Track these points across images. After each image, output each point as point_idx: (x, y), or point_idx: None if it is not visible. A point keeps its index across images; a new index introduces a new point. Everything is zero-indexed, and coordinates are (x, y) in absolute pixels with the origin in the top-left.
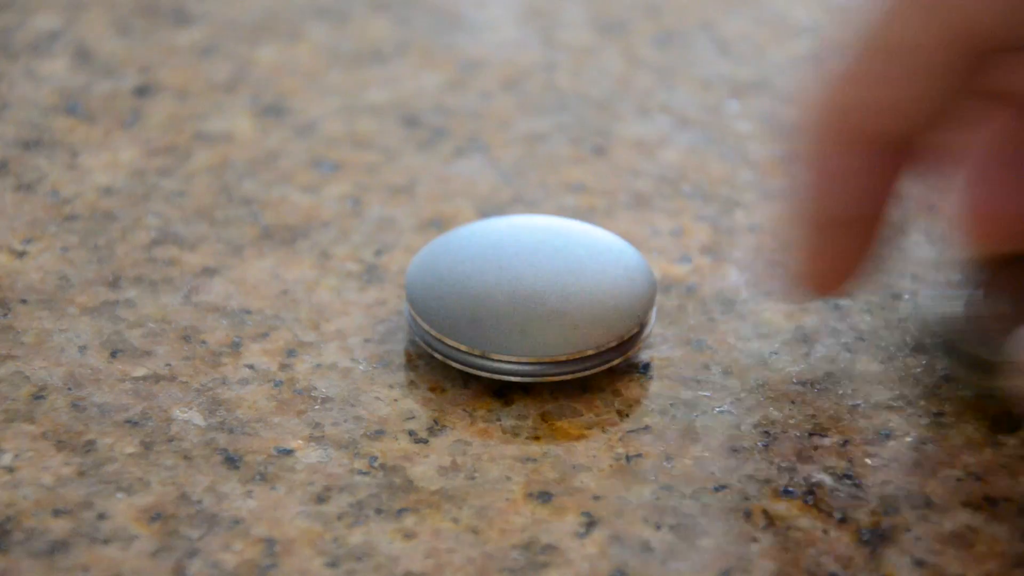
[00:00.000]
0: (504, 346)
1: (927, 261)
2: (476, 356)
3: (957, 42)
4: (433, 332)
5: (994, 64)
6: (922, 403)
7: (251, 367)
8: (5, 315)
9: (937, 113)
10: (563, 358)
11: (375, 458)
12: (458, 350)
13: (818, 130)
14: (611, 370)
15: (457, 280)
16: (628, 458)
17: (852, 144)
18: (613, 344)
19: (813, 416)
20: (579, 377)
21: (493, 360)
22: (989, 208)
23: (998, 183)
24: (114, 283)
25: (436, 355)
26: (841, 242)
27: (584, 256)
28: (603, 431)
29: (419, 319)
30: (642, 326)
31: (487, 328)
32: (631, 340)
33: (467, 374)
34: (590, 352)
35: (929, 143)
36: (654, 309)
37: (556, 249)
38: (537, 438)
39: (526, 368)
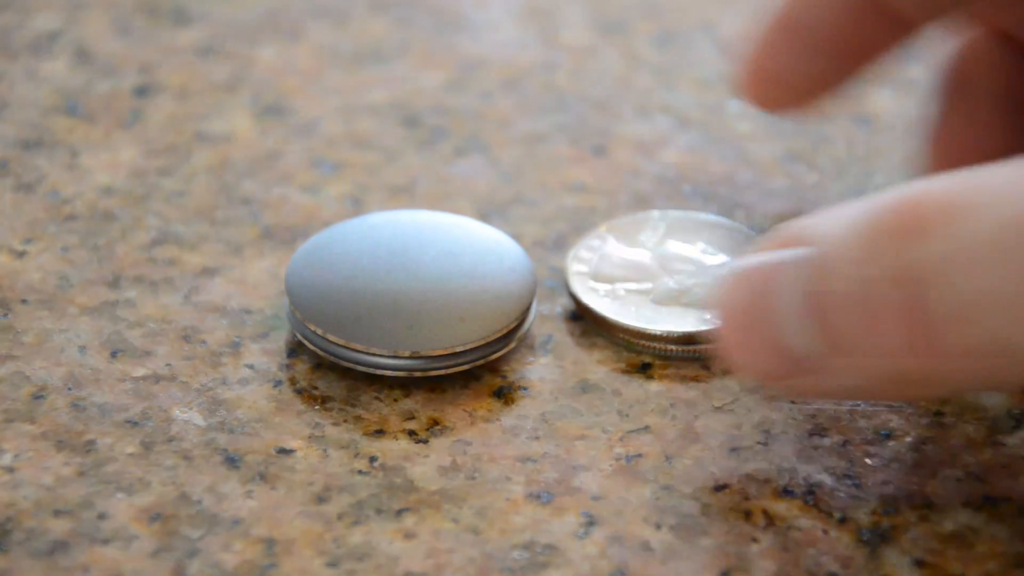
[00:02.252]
0: (382, 341)
1: None
2: (354, 351)
3: None
4: (311, 326)
5: None
6: (922, 403)
7: (251, 367)
8: (5, 315)
9: None
10: (441, 352)
11: (375, 458)
12: (336, 344)
13: None
14: (611, 370)
15: (337, 275)
16: (628, 458)
17: None
18: (493, 337)
19: (813, 416)
20: (458, 371)
21: (373, 355)
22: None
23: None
24: (114, 283)
25: (316, 350)
26: (791, 46)
27: (464, 251)
28: (603, 431)
29: (298, 313)
30: (522, 320)
31: (365, 322)
32: (510, 334)
33: (467, 373)
34: (469, 346)
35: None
36: (534, 303)
37: (437, 244)
38: (537, 438)
39: (403, 363)
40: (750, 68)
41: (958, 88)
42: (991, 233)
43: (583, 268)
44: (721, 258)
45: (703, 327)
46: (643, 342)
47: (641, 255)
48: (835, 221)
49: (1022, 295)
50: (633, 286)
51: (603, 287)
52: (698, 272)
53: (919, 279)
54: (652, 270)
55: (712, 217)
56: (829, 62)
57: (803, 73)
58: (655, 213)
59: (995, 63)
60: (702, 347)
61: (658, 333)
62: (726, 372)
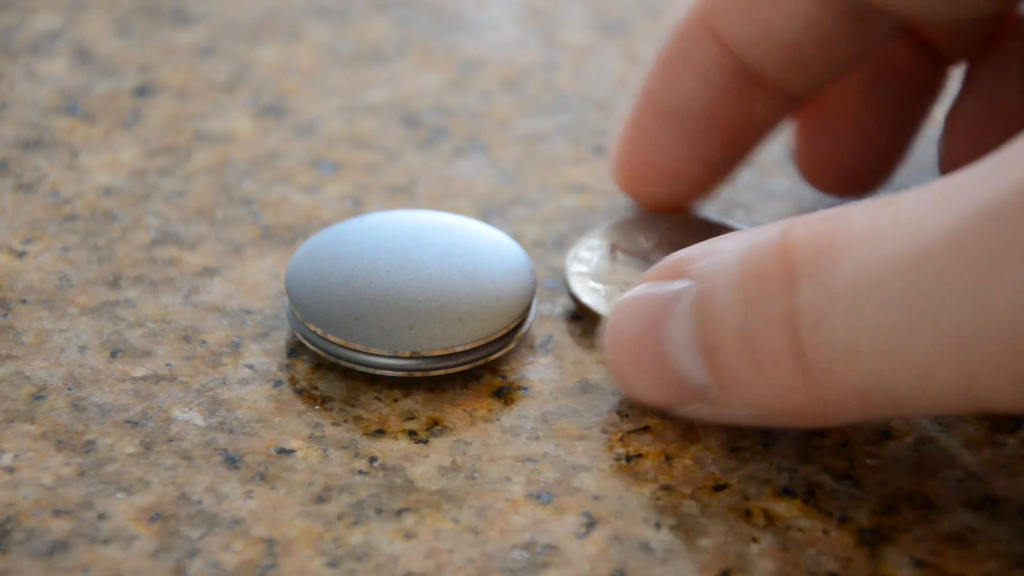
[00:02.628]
0: (382, 341)
1: None
2: (354, 351)
3: None
4: (311, 326)
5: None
6: None
7: (251, 367)
8: (5, 315)
9: (806, 42)
10: (441, 352)
11: (375, 458)
12: (336, 345)
13: (681, 22)
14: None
15: (337, 275)
16: (628, 458)
17: (708, 42)
18: (493, 337)
19: None
20: (458, 372)
21: (372, 355)
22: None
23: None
24: (114, 283)
25: (316, 350)
26: (662, 133)
27: (464, 251)
28: (603, 431)
29: (298, 313)
30: (522, 321)
31: (365, 323)
32: (510, 334)
33: (467, 373)
34: (469, 346)
35: (797, 81)
36: (535, 303)
37: (437, 245)
38: (537, 438)
39: (403, 363)
40: (621, 160)
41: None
42: (857, 279)
43: (583, 268)
44: None
45: None
46: None
47: (641, 255)
48: (717, 257)
49: (891, 340)
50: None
51: (603, 287)
52: None
53: (794, 324)
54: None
55: (712, 217)
56: (704, 147)
57: (678, 161)
58: (656, 214)
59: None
60: None
61: None
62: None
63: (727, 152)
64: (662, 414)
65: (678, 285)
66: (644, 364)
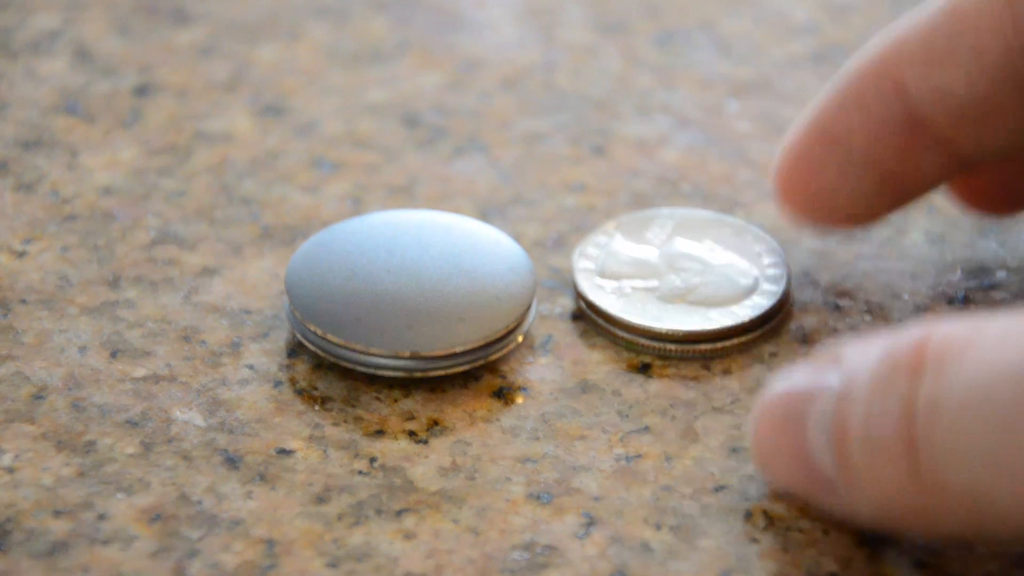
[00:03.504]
0: (382, 341)
1: (927, 261)
2: (354, 351)
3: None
4: (311, 326)
5: None
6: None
7: (251, 367)
8: (5, 315)
9: (982, 107)
10: (441, 353)
11: (375, 459)
12: (336, 345)
13: (862, 65)
14: (611, 370)
15: (336, 275)
16: (628, 459)
17: (886, 89)
18: (493, 338)
19: None
20: (458, 372)
21: (372, 355)
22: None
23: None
24: (114, 283)
25: (316, 350)
26: (823, 158)
27: (464, 251)
28: (603, 432)
29: (298, 313)
30: (521, 321)
31: (365, 323)
32: (510, 334)
33: (467, 374)
34: (469, 346)
35: (968, 144)
36: (534, 303)
37: (437, 244)
38: (537, 438)
39: (403, 363)
40: (782, 175)
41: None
42: (978, 379)
43: (590, 265)
44: (728, 257)
45: (707, 326)
46: (646, 341)
47: (648, 252)
48: (863, 352)
49: (995, 448)
50: (639, 283)
51: (609, 284)
52: (705, 271)
53: (911, 416)
54: (659, 268)
55: (721, 216)
56: (861, 183)
57: (834, 190)
58: (664, 211)
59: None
60: (705, 347)
61: (663, 331)
62: (726, 372)
63: (884, 194)
64: (663, 413)
65: (824, 378)
66: (785, 452)
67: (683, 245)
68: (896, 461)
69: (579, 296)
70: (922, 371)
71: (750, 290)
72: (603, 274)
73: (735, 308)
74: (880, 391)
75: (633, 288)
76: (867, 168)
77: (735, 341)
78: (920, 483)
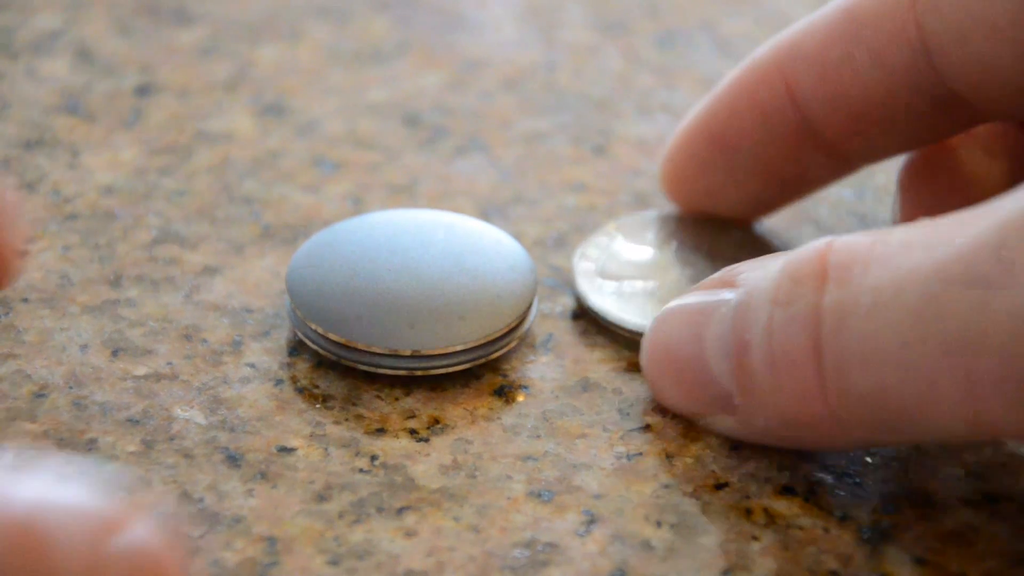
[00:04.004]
0: (383, 339)
1: None
2: (355, 350)
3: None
4: (312, 325)
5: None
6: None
7: (252, 366)
8: (6, 314)
9: (877, 111)
10: (442, 351)
11: (376, 457)
12: (337, 343)
13: (756, 62)
14: (612, 369)
15: (338, 274)
16: (629, 456)
17: (777, 89)
18: (494, 336)
19: None
20: (459, 370)
21: (373, 354)
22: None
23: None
24: (115, 282)
25: (317, 349)
26: (709, 158)
27: (465, 250)
28: (604, 429)
29: (299, 311)
30: (522, 319)
31: (366, 321)
32: (511, 332)
33: (468, 372)
34: (470, 344)
35: (857, 150)
36: (535, 301)
37: (437, 243)
38: (538, 437)
39: (404, 362)
40: (667, 169)
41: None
42: (881, 284)
43: (590, 266)
44: (726, 261)
45: None
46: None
47: (648, 254)
48: (762, 268)
49: (901, 347)
50: (640, 284)
51: (610, 284)
52: (703, 274)
53: (816, 325)
54: (659, 269)
55: (723, 220)
56: (747, 184)
57: (719, 188)
58: (666, 212)
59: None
60: None
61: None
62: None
63: (770, 194)
64: (663, 411)
65: (723, 294)
66: (678, 370)
67: (683, 249)
68: (800, 370)
69: (578, 299)
70: (825, 279)
71: None
72: (603, 275)
73: None
74: (782, 302)
75: (633, 289)
76: (754, 170)
77: None
78: (825, 391)
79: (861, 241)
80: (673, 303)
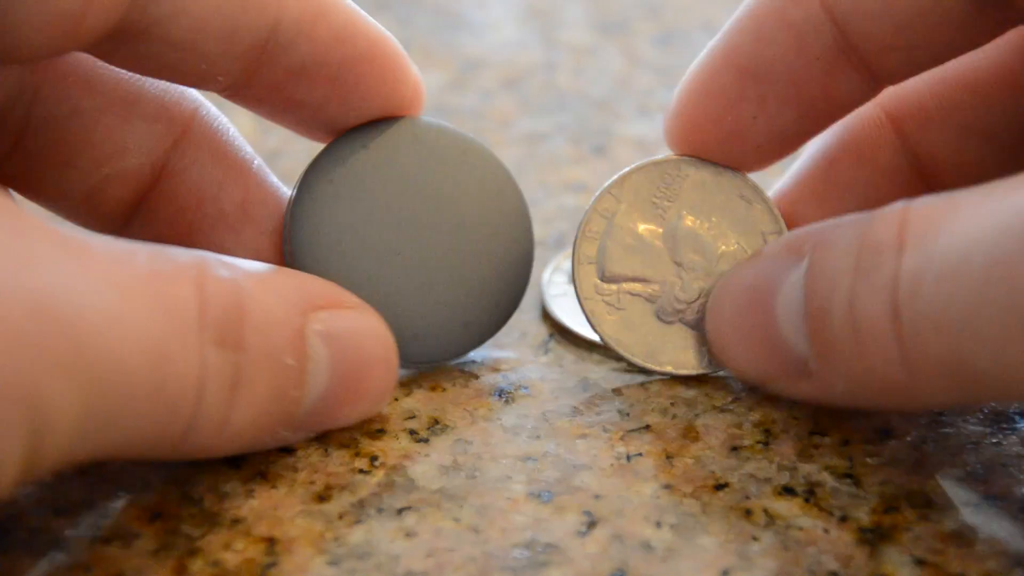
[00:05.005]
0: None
1: None
2: None
3: None
4: None
5: None
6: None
7: None
8: None
9: (922, 29)
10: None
11: (376, 457)
12: None
13: None
14: (612, 369)
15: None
16: (629, 457)
17: (811, 5)
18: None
19: (813, 415)
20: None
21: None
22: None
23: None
24: None
25: None
26: (738, 90)
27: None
28: (604, 430)
29: None
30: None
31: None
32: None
33: (468, 372)
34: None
35: (892, 64)
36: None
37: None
38: (538, 437)
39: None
40: (682, 112)
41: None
42: (951, 248)
43: (592, 254)
44: (731, 243)
45: (700, 368)
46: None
47: (652, 235)
48: (836, 232)
49: (971, 311)
50: (638, 288)
51: (608, 290)
52: (708, 271)
53: (895, 290)
54: (662, 263)
55: (737, 177)
56: (779, 113)
57: (747, 123)
58: (681, 165)
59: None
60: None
61: (656, 370)
62: (727, 371)
63: (799, 124)
64: (663, 411)
65: (792, 261)
66: (748, 335)
67: (690, 224)
68: (881, 336)
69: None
70: (903, 247)
71: None
72: (604, 275)
73: None
74: (864, 270)
75: (632, 295)
76: (787, 97)
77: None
78: (903, 357)
79: (936, 204)
80: (735, 271)
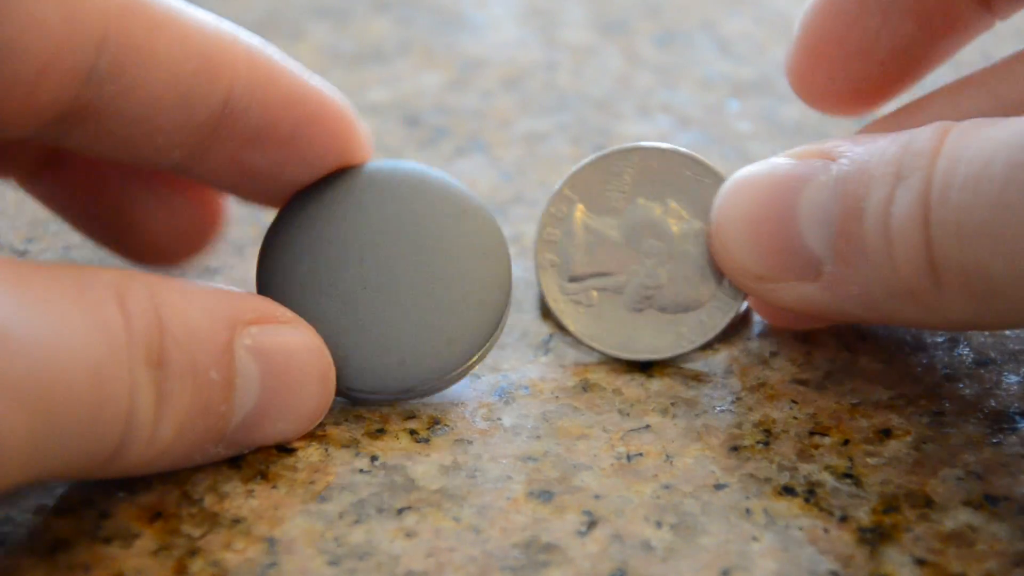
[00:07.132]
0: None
1: None
2: (348, 391)
3: None
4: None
5: None
6: (922, 402)
7: None
8: None
9: None
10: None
11: (376, 457)
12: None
13: None
14: (612, 369)
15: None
16: (629, 457)
17: None
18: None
19: (813, 415)
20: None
21: (362, 393)
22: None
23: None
24: None
25: None
26: (866, 5)
27: (435, 253)
28: (604, 430)
29: None
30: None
31: (354, 363)
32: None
33: (468, 372)
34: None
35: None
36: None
37: (408, 253)
38: (538, 437)
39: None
40: (815, 37)
41: None
42: (975, 155)
43: (554, 258)
44: (688, 223)
45: (680, 348)
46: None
47: (609, 227)
48: (873, 143)
49: (988, 218)
50: (604, 282)
51: (575, 289)
52: (669, 254)
53: (927, 194)
54: (623, 253)
55: (682, 156)
56: (900, 26)
57: (870, 38)
58: (628, 154)
59: None
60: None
61: (637, 360)
62: (727, 371)
63: (919, 38)
64: (663, 411)
65: (822, 164)
66: (757, 233)
67: (645, 209)
68: (912, 239)
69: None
70: (939, 154)
71: (717, 280)
72: (570, 275)
73: (704, 317)
74: (905, 175)
75: (599, 292)
76: (908, 6)
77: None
78: (931, 261)
79: (978, 120)
80: (752, 169)
